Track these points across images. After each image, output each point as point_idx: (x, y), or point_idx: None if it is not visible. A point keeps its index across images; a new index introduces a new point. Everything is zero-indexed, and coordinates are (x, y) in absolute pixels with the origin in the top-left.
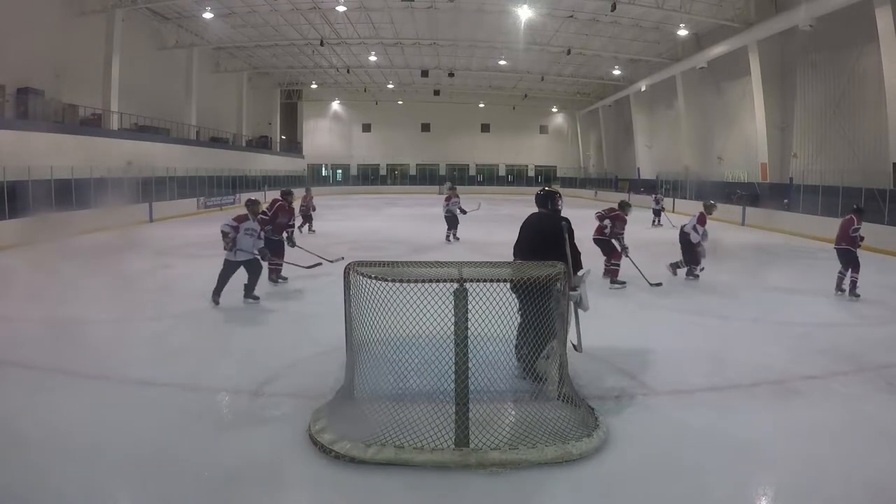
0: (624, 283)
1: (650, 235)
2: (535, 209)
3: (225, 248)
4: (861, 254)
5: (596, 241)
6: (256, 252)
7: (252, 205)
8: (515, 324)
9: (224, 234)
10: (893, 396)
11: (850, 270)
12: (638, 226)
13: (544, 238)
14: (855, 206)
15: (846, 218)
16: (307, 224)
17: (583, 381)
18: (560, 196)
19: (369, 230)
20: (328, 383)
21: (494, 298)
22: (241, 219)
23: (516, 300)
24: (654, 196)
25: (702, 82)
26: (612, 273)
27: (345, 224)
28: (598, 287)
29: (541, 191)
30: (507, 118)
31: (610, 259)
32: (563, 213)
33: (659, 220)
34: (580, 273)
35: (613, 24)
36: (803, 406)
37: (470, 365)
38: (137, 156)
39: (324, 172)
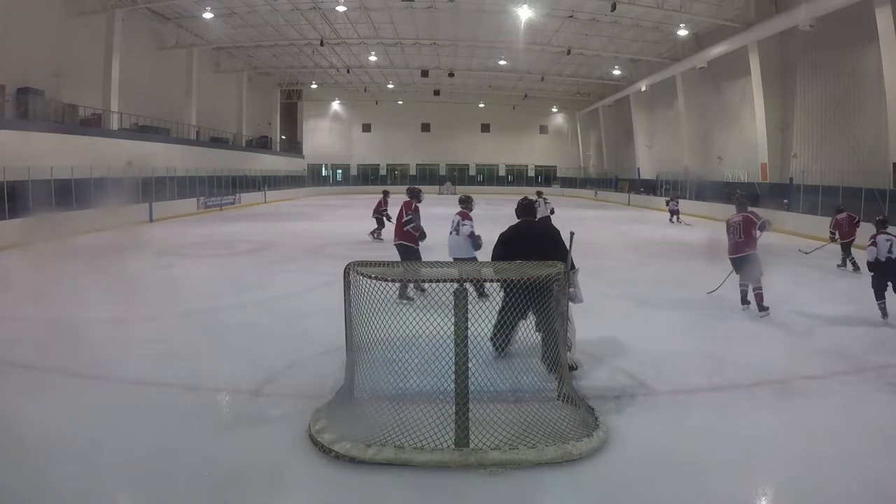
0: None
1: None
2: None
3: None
4: (860, 254)
5: (743, 258)
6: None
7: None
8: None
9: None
10: (893, 396)
11: None
12: (651, 225)
13: (548, 242)
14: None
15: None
16: (380, 229)
17: (583, 381)
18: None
19: (369, 230)
20: (328, 383)
21: (494, 298)
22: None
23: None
24: (668, 199)
25: (702, 82)
26: (759, 297)
27: (345, 224)
28: (602, 287)
29: (523, 200)
30: (507, 118)
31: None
32: (571, 213)
33: (678, 219)
34: (572, 271)
35: (613, 24)
36: (803, 406)
37: (470, 365)
38: (137, 156)
39: (324, 172)
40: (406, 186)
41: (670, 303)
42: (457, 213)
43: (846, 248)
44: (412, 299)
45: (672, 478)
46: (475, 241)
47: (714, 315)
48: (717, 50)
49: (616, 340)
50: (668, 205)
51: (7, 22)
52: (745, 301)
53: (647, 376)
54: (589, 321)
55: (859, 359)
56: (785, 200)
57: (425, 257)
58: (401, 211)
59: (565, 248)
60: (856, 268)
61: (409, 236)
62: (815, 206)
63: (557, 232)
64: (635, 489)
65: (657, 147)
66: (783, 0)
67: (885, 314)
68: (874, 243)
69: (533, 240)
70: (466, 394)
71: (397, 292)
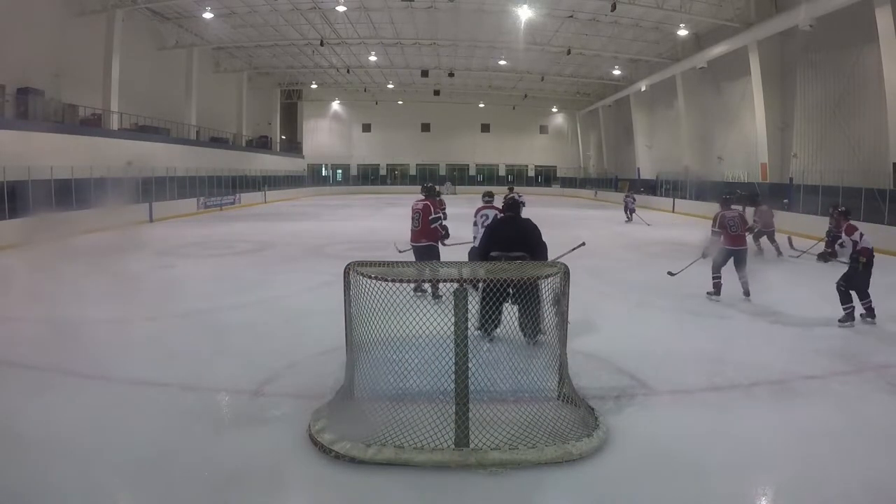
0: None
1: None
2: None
3: (447, 238)
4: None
5: (744, 251)
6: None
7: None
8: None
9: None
10: (893, 397)
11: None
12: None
13: (525, 232)
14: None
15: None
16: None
17: (583, 381)
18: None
19: (369, 230)
20: (328, 383)
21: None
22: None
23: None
24: (627, 196)
25: (702, 82)
26: (747, 283)
27: (345, 224)
28: (602, 287)
29: (510, 199)
30: (507, 118)
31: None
32: (572, 213)
33: (630, 217)
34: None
35: (613, 24)
36: (803, 406)
37: (470, 365)
38: (137, 156)
39: (324, 172)
40: (422, 185)
41: (670, 303)
42: (489, 208)
43: (771, 238)
44: (441, 297)
45: (672, 478)
46: None
47: (714, 315)
48: (717, 50)
49: (616, 340)
50: (625, 201)
51: (7, 22)
52: (719, 292)
53: (647, 376)
54: (589, 321)
55: (859, 359)
56: (785, 200)
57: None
58: (427, 209)
59: (539, 237)
60: (781, 252)
61: (435, 235)
62: (815, 206)
63: (535, 226)
64: (635, 489)
65: (657, 147)
66: (783, 0)
67: (852, 318)
68: (862, 233)
69: (513, 229)
70: (466, 394)
71: (430, 294)
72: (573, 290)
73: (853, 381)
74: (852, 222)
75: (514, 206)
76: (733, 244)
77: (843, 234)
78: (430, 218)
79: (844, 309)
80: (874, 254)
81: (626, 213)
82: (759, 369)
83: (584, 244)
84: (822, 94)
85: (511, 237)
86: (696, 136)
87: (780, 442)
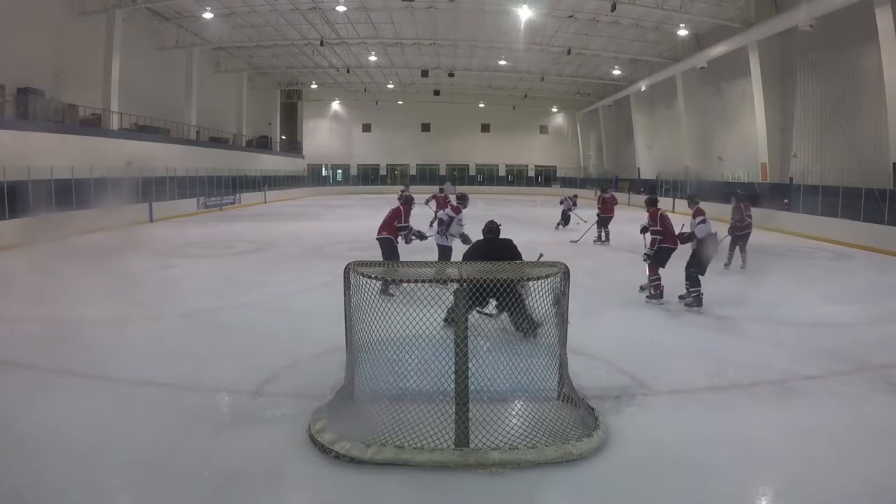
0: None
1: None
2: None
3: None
4: (860, 253)
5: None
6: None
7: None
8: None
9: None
10: (893, 396)
11: None
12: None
13: (511, 254)
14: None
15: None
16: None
17: (583, 381)
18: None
19: (369, 230)
20: (328, 383)
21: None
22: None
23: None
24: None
25: (702, 82)
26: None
27: (345, 224)
28: (602, 287)
29: (492, 224)
30: (507, 118)
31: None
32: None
33: (563, 224)
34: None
35: (613, 25)
36: (803, 406)
37: (470, 365)
38: (137, 156)
39: (324, 172)
40: (400, 192)
41: (670, 303)
42: (450, 206)
43: (605, 223)
44: (392, 294)
45: (672, 478)
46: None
47: (714, 315)
48: (717, 50)
49: (616, 340)
50: (562, 203)
51: (7, 22)
52: (662, 294)
53: (647, 376)
54: (589, 321)
55: (859, 359)
56: (785, 200)
57: (423, 257)
58: (398, 212)
59: (517, 252)
60: (608, 239)
61: (394, 231)
62: (815, 206)
63: (514, 244)
64: (635, 489)
65: (657, 147)
66: (783, 0)
67: (700, 302)
68: (704, 220)
69: (493, 250)
70: (466, 394)
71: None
72: (573, 290)
73: (853, 381)
74: (701, 207)
75: (493, 230)
76: (674, 242)
77: (692, 218)
78: (398, 226)
79: (691, 293)
80: (698, 241)
81: (561, 219)
82: (759, 369)
83: (542, 255)
84: (822, 94)
85: (492, 257)
86: (696, 136)
87: (781, 442)
